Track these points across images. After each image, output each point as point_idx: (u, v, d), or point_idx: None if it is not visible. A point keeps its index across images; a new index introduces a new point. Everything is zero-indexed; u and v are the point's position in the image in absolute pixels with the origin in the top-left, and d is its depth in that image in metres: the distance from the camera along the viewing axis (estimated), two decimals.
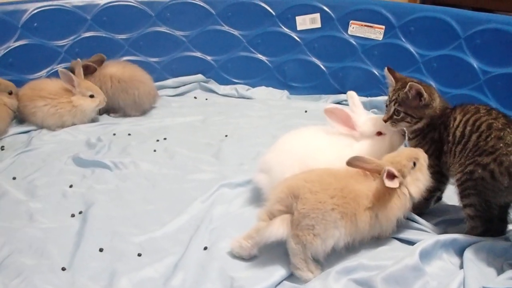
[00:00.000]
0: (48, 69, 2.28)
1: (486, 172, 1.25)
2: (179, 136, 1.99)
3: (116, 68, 2.16)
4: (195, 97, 2.42)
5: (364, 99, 2.29)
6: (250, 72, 2.50)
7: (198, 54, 2.51)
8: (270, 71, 2.49)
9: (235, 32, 2.48)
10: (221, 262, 1.27)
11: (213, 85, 2.50)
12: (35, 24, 2.27)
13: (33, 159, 1.79)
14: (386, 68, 1.46)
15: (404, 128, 1.45)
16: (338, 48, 2.38)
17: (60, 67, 2.10)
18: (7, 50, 2.18)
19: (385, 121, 1.42)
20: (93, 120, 2.12)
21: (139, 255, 1.30)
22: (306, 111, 2.23)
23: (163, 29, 2.47)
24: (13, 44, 2.20)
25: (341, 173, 1.30)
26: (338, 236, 1.23)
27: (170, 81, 2.48)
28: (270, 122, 2.12)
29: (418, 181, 1.31)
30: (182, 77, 2.49)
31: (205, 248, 1.32)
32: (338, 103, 2.35)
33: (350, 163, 1.28)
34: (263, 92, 2.46)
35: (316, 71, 2.44)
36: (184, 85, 2.48)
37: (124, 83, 2.13)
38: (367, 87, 2.33)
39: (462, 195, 1.31)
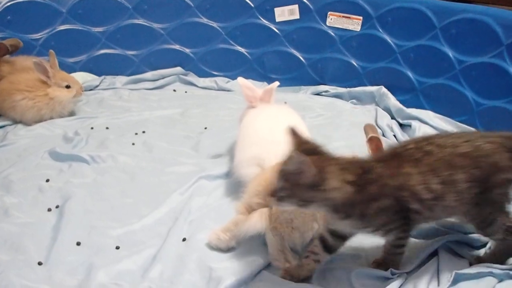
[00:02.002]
0: None
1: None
2: (158, 129, 1.97)
3: None
4: (174, 90, 2.41)
5: (343, 89, 2.32)
6: (230, 64, 2.49)
7: (177, 47, 2.49)
8: (250, 63, 2.49)
9: (214, 24, 2.47)
10: (200, 253, 1.27)
11: (192, 77, 2.48)
12: (9, 17, 2.22)
13: (8, 154, 1.75)
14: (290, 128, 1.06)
15: None
16: (316, 39, 2.39)
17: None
18: None
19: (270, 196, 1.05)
20: (71, 114, 2.09)
21: (117, 248, 1.30)
22: (285, 102, 2.23)
23: (140, 21, 2.44)
24: None
25: None
26: (317, 228, 1.24)
27: (148, 74, 2.45)
28: None
29: None
30: (161, 70, 2.47)
31: (184, 240, 1.32)
32: (318, 94, 2.36)
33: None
34: None
35: (295, 62, 2.44)
36: (163, 78, 2.45)
37: None
38: (346, 78, 2.34)
39: (483, 226, 1.14)
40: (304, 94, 2.35)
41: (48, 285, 1.17)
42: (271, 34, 2.44)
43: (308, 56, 2.42)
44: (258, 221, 1.22)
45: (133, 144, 1.84)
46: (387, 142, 1.84)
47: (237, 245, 1.29)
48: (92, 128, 1.96)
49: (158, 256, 1.25)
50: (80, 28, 2.35)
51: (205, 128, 1.99)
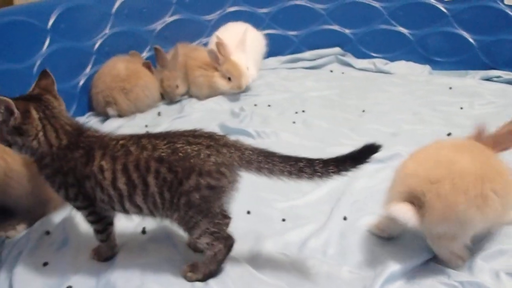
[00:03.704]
0: (197, 42, 2.46)
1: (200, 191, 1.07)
2: (316, 109, 2.02)
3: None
4: (331, 71, 2.43)
5: None
6: (390, 45, 2.42)
7: (336, 27, 2.50)
8: (411, 45, 2.38)
9: (376, 4, 2.41)
10: (362, 235, 1.29)
11: (349, 58, 2.47)
12: (187, 1, 2.45)
13: (185, 124, 1.93)
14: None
15: None
16: (491, 19, 2.19)
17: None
18: (163, 24, 2.39)
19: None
20: None
21: (283, 220, 1.38)
22: (450, 88, 2.10)
23: (302, 2, 2.49)
24: (169, 19, 2.41)
25: (469, 152, 1.15)
26: (478, 228, 1.13)
27: (307, 54, 2.51)
28: (410, 98, 2.05)
29: None
30: (319, 50, 2.50)
31: (345, 218, 1.35)
32: (488, 79, 2.17)
33: None
34: (402, 67, 2.37)
35: (463, 44, 2.27)
36: (320, 58, 2.49)
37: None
38: None
39: (189, 227, 1.11)
40: (472, 79, 2.18)
41: None
42: (437, 14, 2.31)
43: (479, 38, 2.24)
44: (408, 216, 1.10)
45: (293, 122, 1.92)
46: None
47: (399, 234, 1.27)
48: (255, 105, 2.09)
49: (321, 232, 1.30)
50: (247, 9, 2.49)
51: (363, 110, 1.98)
